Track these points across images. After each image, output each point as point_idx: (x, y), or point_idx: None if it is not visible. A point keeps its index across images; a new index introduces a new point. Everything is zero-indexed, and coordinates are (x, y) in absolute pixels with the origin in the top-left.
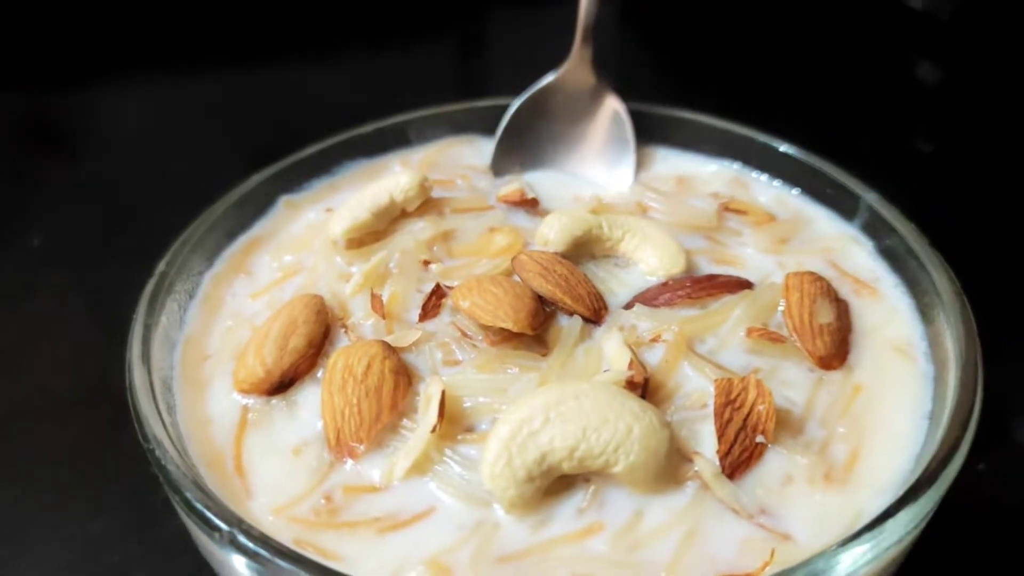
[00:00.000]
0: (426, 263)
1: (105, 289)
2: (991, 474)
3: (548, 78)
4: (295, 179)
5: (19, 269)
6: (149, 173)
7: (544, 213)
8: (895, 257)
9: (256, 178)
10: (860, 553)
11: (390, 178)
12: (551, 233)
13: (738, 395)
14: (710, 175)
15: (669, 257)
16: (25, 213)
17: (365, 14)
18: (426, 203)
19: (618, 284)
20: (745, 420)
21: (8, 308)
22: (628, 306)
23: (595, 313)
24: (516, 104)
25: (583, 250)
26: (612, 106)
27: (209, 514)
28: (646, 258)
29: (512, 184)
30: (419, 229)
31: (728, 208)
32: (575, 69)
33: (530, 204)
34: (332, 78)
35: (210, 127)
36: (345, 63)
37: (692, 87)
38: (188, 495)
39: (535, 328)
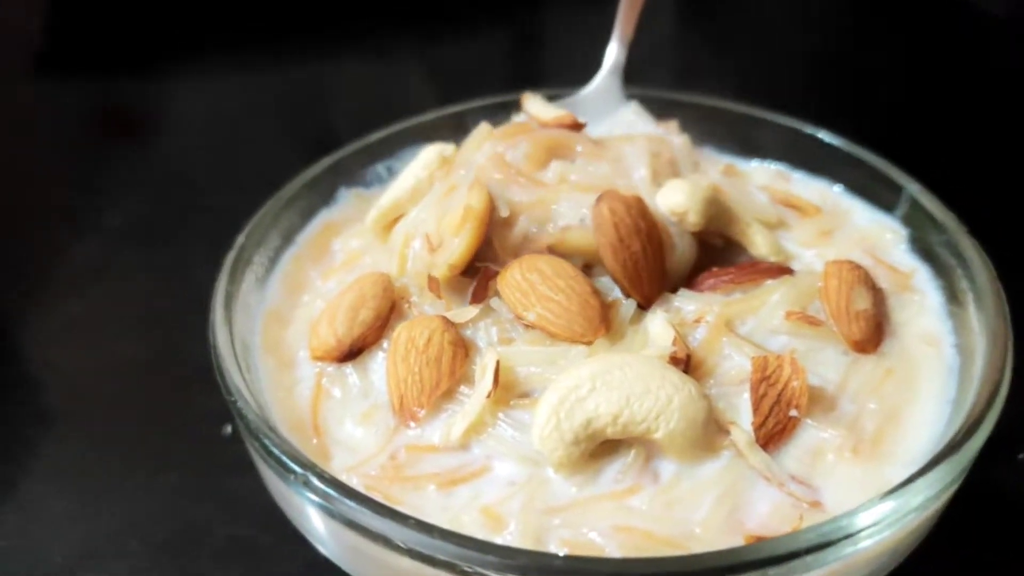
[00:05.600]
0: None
1: (174, 267)
2: None
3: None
4: (358, 164)
5: (97, 247)
6: (219, 160)
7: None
8: (932, 247)
9: (326, 161)
10: (882, 513)
11: (415, 160)
12: (690, 203)
13: (773, 371)
14: (753, 168)
15: (776, 242)
16: (103, 195)
17: (425, 6)
18: None
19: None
20: (780, 395)
21: (86, 282)
22: (673, 290)
23: (647, 300)
24: None
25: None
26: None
27: (285, 458)
28: (756, 240)
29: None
30: (424, 205)
31: (782, 202)
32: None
33: (575, 130)
34: (393, 71)
35: (276, 116)
36: (414, 55)
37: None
38: (266, 441)
39: (608, 328)
